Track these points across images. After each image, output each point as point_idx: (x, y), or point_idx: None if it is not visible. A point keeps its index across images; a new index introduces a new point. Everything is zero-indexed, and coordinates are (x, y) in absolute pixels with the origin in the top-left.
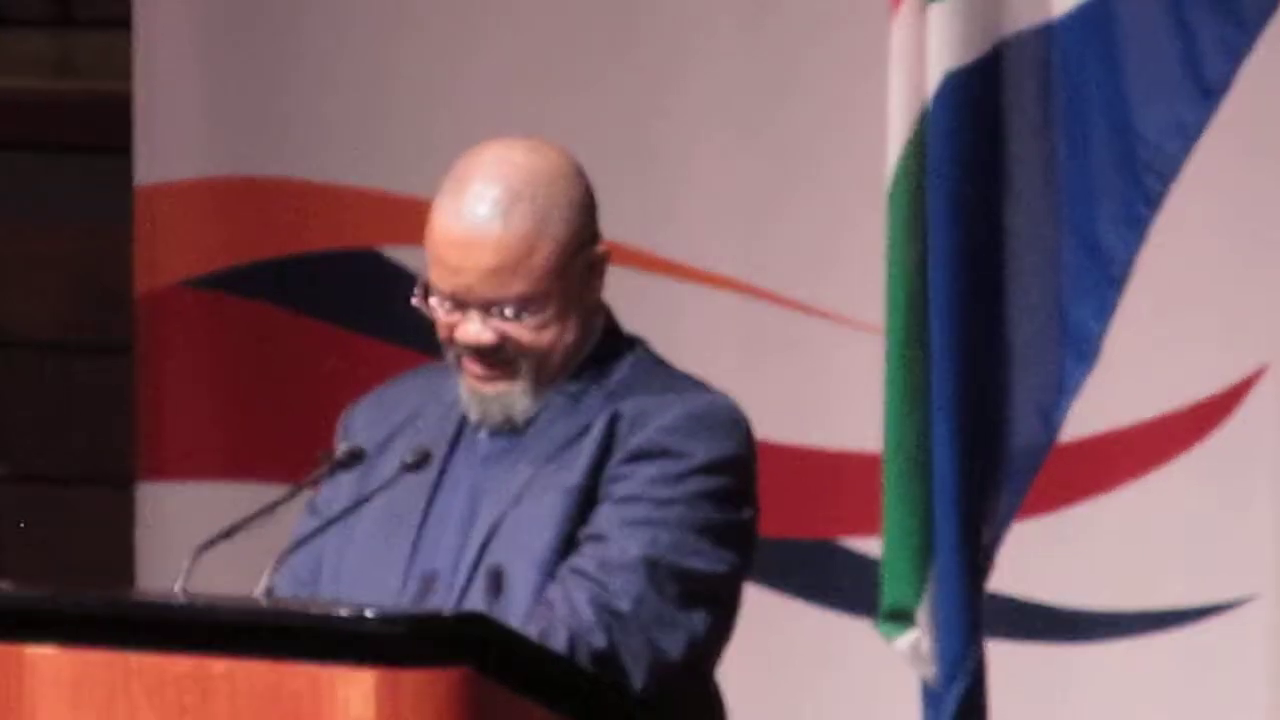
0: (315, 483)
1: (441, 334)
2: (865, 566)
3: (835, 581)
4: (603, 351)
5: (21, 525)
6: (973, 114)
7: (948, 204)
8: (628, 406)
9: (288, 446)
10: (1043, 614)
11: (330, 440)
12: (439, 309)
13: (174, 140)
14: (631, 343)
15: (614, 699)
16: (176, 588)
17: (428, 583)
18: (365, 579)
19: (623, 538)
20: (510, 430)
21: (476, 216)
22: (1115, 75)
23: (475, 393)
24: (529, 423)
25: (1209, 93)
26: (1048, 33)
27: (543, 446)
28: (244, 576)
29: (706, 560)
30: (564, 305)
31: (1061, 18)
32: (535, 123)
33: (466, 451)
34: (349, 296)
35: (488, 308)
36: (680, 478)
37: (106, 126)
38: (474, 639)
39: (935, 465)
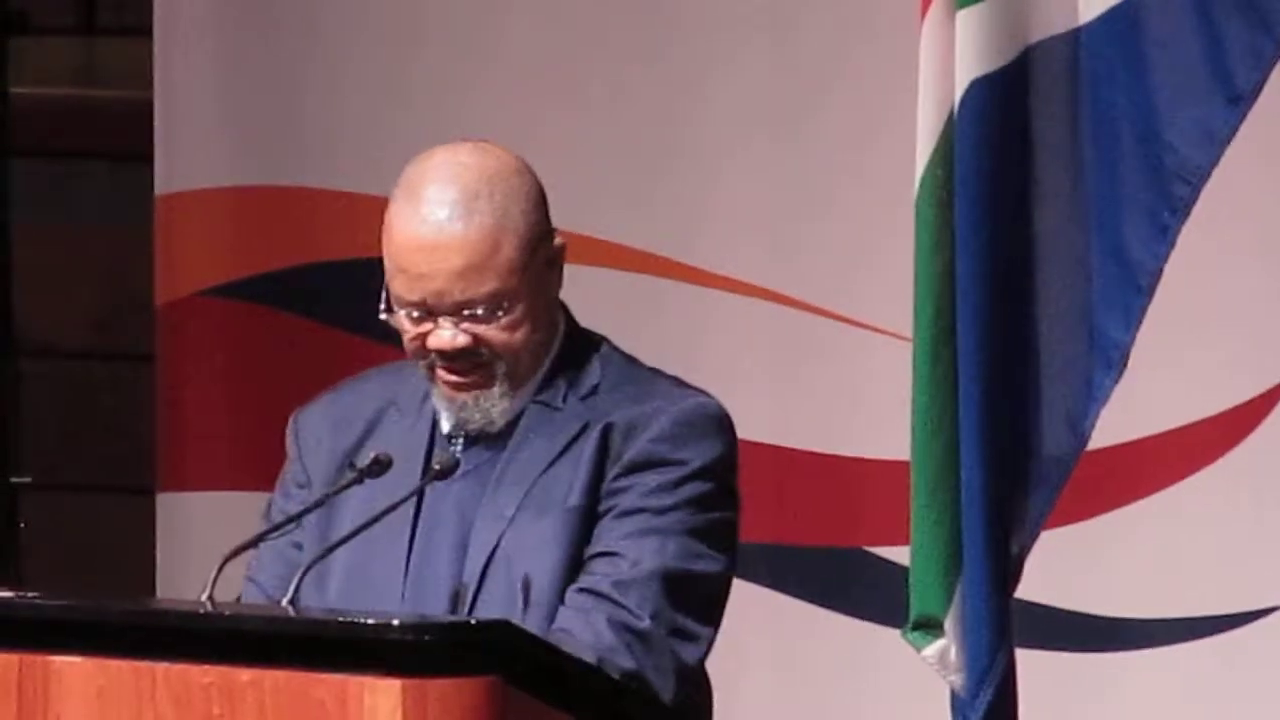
0: (340, 492)
1: (410, 346)
2: (894, 575)
3: (864, 590)
4: (569, 352)
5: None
6: (1000, 120)
7: (975, 210)
8: (617, 417)
9: None
10: (1072, 622)
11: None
12: (405, 320)
13: (193, 149)
14: (595, 341)
15: (640, 706)
16: (202, 597)
17: (432, 597)
18: (357, 594)
19: (632, 550)
20: (488, 440)
21: (438, 219)
22: (1142, 82)
23: (451, 401)
24: (506, 432)
25: (1236, 100)
26: (1075, 39)
27: (528, 459)
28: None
29: (709, 562)
30: (531, 302)
31: (1089, 24)
32: (557, 133)
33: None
34: (367, 304)
35: (459, 310)
36: (677, 484)
37: (131, 134)
38: (500, 647)
39: (963, 473)
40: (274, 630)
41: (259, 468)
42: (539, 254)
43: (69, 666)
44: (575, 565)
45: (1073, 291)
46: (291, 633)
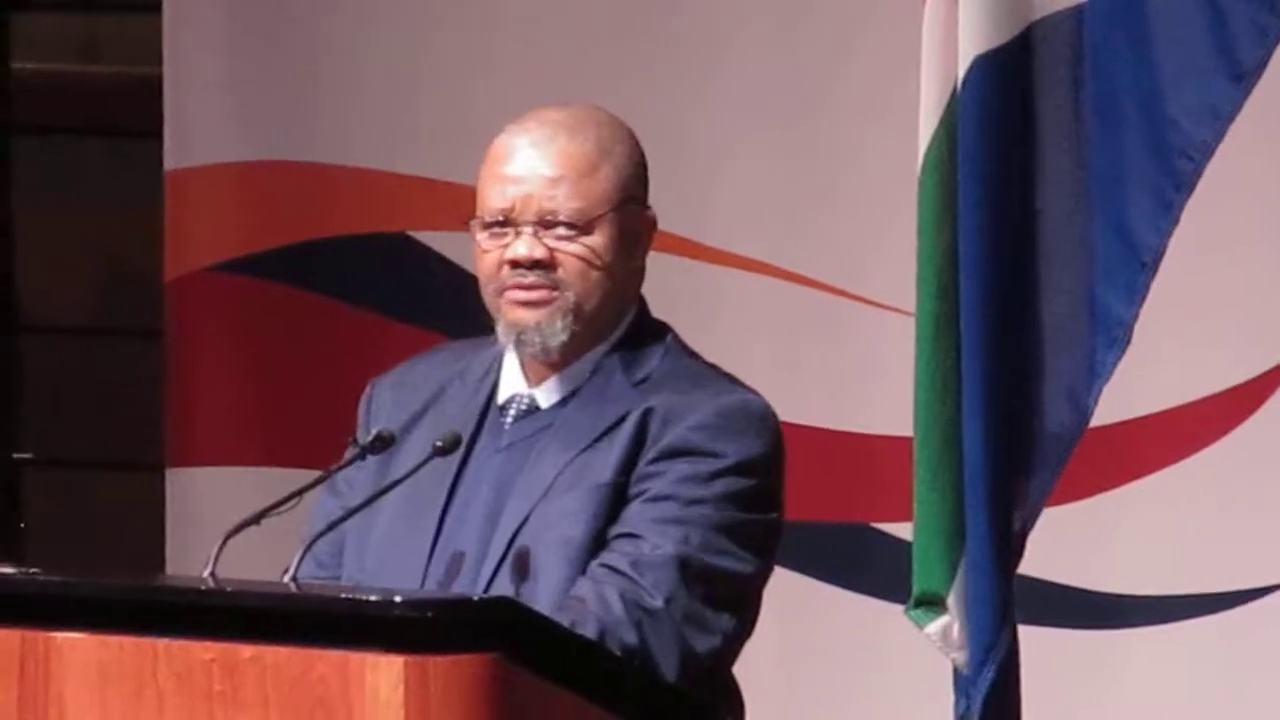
0: (346, 468)
1: (488, 268)
2: (902, 551)
3: (868, 566)
4: (633, 338)
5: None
6: (1003, 97)
7: (978, 187)
8: (659, 402)
9: (316, 431)
10: (1075, 599)
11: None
12: (486, 237)
13: (203, 125)
14: (661, 331)
15: (642, 685)
16: (205, 573)
17: (454, 566)
18: (389, 562)
19: (655, 535)
20: (535, 416)
21: (543, 131)
22: (1146, 58)
23: (514, 325)
24: (553, 410)
25: (1240, 76)
26: (1078, 15)
27: (570, 436)
28: (272, 561)
29: (734, 560)
30: (614, 248)
31: (1092, 0)
32: None
33: (491, 435)
34: (378, 280)
35: (541, 220)
36: (710, 477)
37: (136, 110)
38: (502, 624)
39: (966, 450)
40: (276, 607)
41: (268, 442)
42: (632, 208)
43: (70, 643)
44: (599, 541)
45: (1075, 267)
46: (293, 609)
